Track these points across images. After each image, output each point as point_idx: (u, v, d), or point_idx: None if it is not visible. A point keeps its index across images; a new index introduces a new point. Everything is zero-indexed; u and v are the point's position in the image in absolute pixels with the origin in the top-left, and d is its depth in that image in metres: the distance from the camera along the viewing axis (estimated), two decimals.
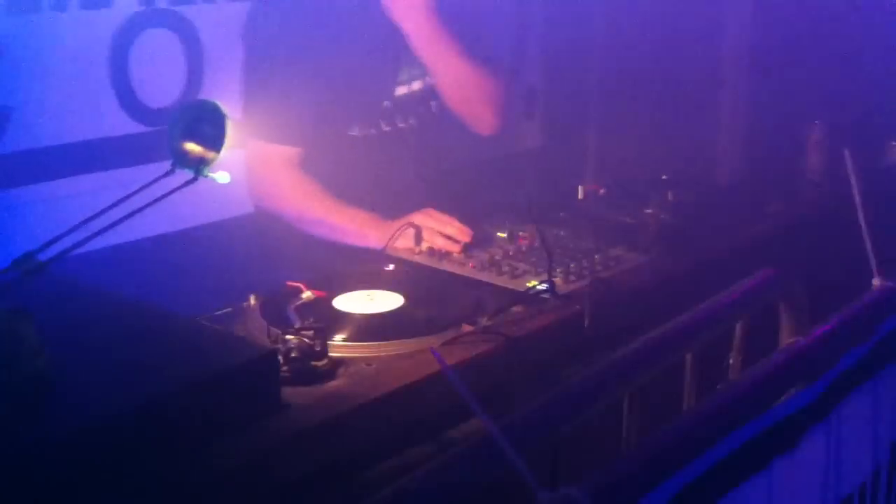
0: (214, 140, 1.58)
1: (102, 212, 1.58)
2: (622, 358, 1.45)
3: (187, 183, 1.59)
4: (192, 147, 1.58)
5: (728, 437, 1.28)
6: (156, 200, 1.59)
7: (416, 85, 2.67)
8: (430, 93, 2.69)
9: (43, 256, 1.49)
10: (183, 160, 1.59)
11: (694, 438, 1.26)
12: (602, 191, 2.75)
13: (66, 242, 1.50)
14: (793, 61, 3.47)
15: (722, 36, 3.84)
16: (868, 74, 3.50)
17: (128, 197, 1.60)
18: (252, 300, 2.01)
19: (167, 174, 1.61)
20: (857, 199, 1.70)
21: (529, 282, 2.06)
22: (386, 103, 2.61)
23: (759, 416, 1.34)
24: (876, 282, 1.73)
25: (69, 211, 2.64)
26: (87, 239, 1.51)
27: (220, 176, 1.62)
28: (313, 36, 2.47)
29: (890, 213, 2.25)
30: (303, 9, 2.49)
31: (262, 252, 2.73)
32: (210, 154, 1.58)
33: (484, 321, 1.90)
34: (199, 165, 1.59)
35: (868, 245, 1.71)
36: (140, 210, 1.57)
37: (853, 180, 1.71)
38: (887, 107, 3.34)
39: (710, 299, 1.64)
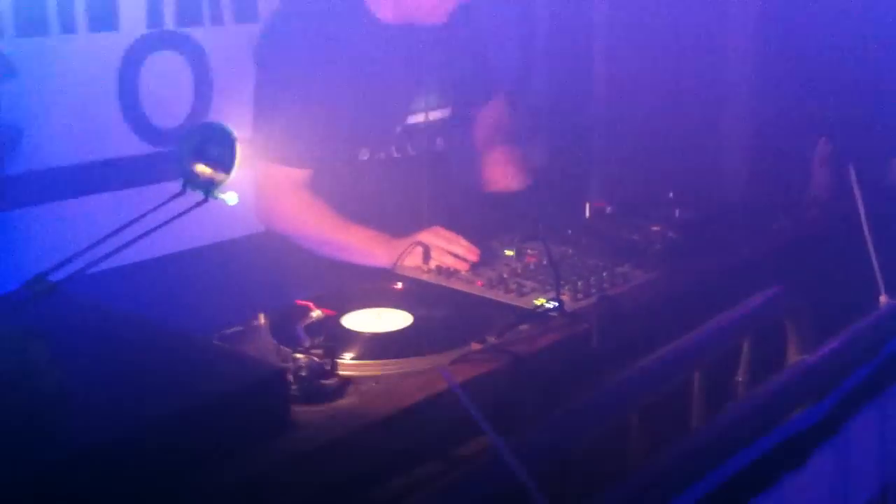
0: (224, 162, 1.59)
1: (113, 233, 1.59)
2: (630, 377, 1.45)
3: (198, 204, 1.60)
4: (202, 169, 1.59)
5: (737, 455, 1.29)
6: (166, 222, 1.60)
7: (434, 115, 2.68)
8: (440, 128, 2.71)
9: (54, 277, 1.50)
10: (193, 181, 1.60)
11: (703, 457, 1.26)
12: (609, 208, 2.75)
13: (78, 263, 1.51)
14: (798, 77, 3.48)
15: (726, 52, 3.85)
16: (874, 90, 3.50)
17: (139, 218, 1.61)
18: (261, 319, 2.02)
19: (178, 195, 1.62)
20: (863, 215, 1.71)
21: (537, 299, 2.06)
22: (398, 129, 2.62)
23: (768, 433, 1.35)
24: (883, 299, 1.73)
25: (79, 231, 2.70)
26: (98, 260, 1.52)
27: (229, 197, 1.63)
28: (327, 58, 2.47)
29: None
30: (317, 30, 2.49)
31: (271, 271, 2.74)
32: (220, 176, 1.60)
33: (492, 339, 1.90)
34: (208, 187, 1.60)
35: (874, 262, 1.71)
36: (151, 231, 1.58)
37: (858, 196, 1.72)
38: (893, 123, 3.35)
39: (716, 317, 1.65)
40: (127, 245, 1.57)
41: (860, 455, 1.63)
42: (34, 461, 1.31)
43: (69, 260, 1.53)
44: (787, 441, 1.37)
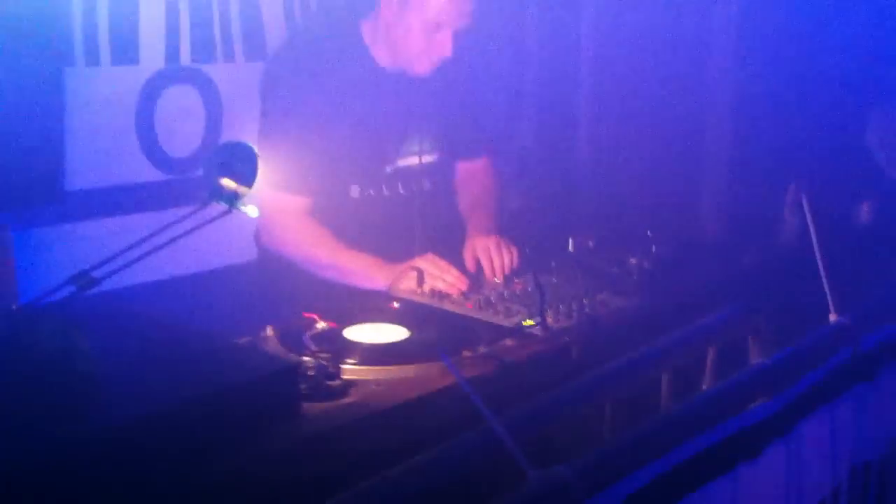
0: (247, 176, 1.77)
1: (144, 239, 1.76)
2: (603, 372, 1.61)
3: (222, 214, 1.77)
4: (227, 182, 1.77)
5: (697, 438, 1.45)
6: (192, 230, 1.77)
7: (427, 158, 2.82)
8: (427, 171, 2.84)
9: (96, 274, 1.67)
10: (218, 194, 1.77)
11: (668, 436, 1.42)
12: (591, 243, 2.90)
13: (116, 263, 1.68)
14: (775, 123, 3.62)
15: (706, 102, 4.00)
16: (846, 136, 3.64)
17: (166, 227, 1.78)
18: (269, 331, 2.16)
19: (202, 206, 1.79)
20: (815, 241, 1.87)
21: (524, 321, 2.22)
22: (388, 169, 2.74)
23: (726, 422, 1.51)
24: (833, 317, 1.91)
25: (94, 250, 2.83)
26: (134, 261, 1.69)
27: (251, 210, 1.80)
28: (325, 94, 2.59)
29: (854, 265, 2.43)
30: (319, 67, 2.62)
31: (270, 294, 2.84)
32: (243, 189, 1.77)
33: (481, 349, 2.06)
34: (232, 199, 1.78)
35: (825, 285, 1.88)
36: (178, 238, 1.75)
37: (811, 224, 1.89)
38: (859, 169, 3.50)
39: (683, 327, 1.82)
40: (157, 250, 1.74)
41: (813, 456, 1.79)
42: (66, 436, 1.46)
43: (107, 262, 1.70)
44: (743, 431, 1.52)
